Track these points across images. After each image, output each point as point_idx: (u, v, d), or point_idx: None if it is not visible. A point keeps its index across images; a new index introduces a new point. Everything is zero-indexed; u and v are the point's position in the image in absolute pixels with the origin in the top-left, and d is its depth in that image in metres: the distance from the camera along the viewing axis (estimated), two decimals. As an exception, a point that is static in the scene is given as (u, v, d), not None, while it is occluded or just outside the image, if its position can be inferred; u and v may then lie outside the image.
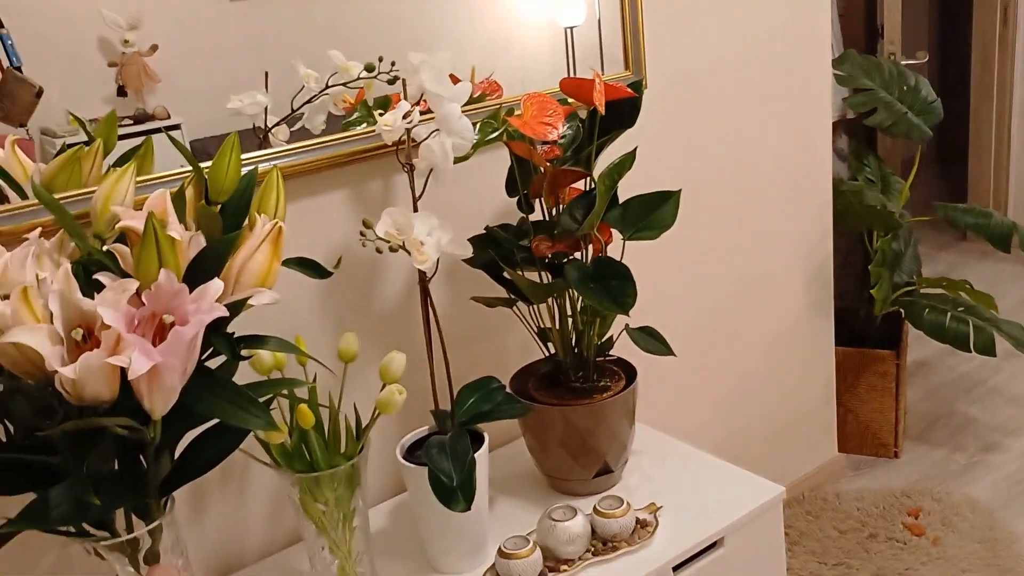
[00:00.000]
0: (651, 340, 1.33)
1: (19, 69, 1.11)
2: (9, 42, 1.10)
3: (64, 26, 1.13)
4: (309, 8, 1.28)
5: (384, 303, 1.41)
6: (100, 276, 0.82)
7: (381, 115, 1.16)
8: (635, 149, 1.25)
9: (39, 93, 1.12)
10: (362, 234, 1.16)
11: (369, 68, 1.27)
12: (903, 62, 2.50)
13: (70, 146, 1.12)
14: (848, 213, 2.20)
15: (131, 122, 1.19)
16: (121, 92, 1.18)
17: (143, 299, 0.80)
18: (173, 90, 1.20)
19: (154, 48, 1.18)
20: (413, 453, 1.23)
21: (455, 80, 1.15)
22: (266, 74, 1.26)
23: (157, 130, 1.19)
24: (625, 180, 1.29)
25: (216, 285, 0.82)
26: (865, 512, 2.11)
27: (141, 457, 0.94)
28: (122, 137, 1.18)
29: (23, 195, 1.10)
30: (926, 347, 2.93)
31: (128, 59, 1.18)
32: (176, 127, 1.22)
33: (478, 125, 1.28)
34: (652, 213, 1.34)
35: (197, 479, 1.28)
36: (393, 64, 1.31)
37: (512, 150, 1.28)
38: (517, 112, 1.24)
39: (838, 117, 2.45)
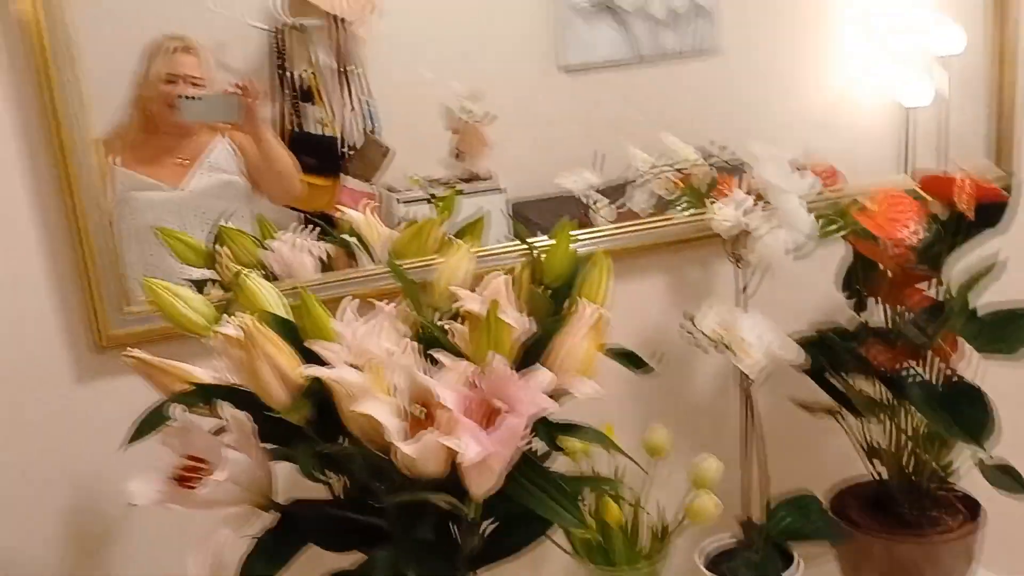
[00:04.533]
0: (1005, 478, 1.15)
1: (373, 132, 1.22)
2: (373, 110, 1.22)
3: (414, 95, 1.24)
4: (634, 84, 1.32)
5: (694, 396, 1.35)
6: (438, 354, 0.84)
7: (712, 203, 1.12)
8: (999, 262, 1.09)
9: (386, 153, 1.23)
10: (682, 326, 1.12)
11: (706, 156, 1.23)
12: None
13: (406, 202, 1.24)
14: None
15: (461, 182, 1.27)
16: (458, 155, 1.26)
17: (476, 382, 0.81)
18: (502, 156, 1.27)
19: (492, 118, 1.24)
20: (714, 561, 1.15)
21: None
22: (601, 156, 1.28)
23: (484, 191, 1.27)
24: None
25: (546, 377, 0.81)
26: None
27: (452, 528, 0.96)
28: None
29: (372, 258, 1.19)
30: None
31: (467, 126, 1.25)
32: (501, 190, 1.29)
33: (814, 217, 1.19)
34: (1008, 326, 1.17)
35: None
36: (724, 148, 1.27)
37: (856, 247, 1.17)
38: (863, 205, 1.14)
39: None
